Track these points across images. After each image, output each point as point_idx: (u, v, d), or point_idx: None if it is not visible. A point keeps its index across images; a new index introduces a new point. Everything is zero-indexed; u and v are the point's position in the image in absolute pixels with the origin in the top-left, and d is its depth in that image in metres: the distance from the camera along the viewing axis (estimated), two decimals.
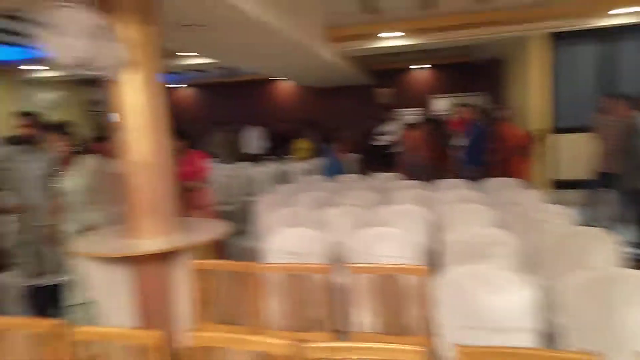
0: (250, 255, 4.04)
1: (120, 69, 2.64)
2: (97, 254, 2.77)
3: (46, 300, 3.54)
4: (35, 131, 3.72)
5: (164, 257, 2.84)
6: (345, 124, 9.19)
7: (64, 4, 2.36)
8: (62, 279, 3.47)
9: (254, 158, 9.70)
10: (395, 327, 2.27)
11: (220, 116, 10.34)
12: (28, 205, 3.67)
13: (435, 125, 6.74)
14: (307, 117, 10.49)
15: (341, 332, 2.44)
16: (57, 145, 3.30)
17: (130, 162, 2.85)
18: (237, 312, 2.53)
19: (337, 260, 3.05)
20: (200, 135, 9.24)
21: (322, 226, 3.51)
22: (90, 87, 9.61)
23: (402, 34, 6.20)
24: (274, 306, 2.48)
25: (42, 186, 3.57)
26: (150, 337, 1.62)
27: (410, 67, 10.85)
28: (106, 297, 2.98)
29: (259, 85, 11.36)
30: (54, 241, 3.43)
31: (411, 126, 6.42)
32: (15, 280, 3.62)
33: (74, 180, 3.29)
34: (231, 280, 2.53)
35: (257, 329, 2.42)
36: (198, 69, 9.09)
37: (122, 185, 2.92)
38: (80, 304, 3.24)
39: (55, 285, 3.60)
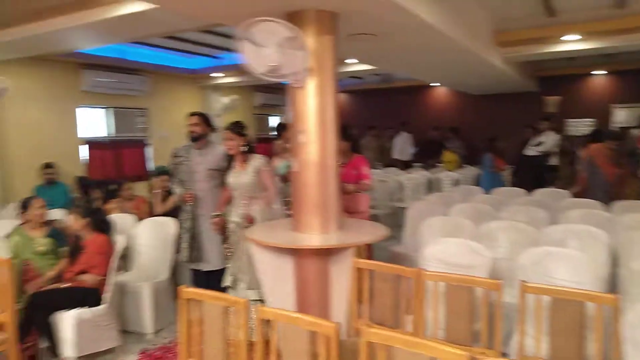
0: (398, 260, 4.08)
1: (304, 75, 2.87)
2: (268, 243, 3.04)
3: (206, 284, 3.81)
4: (203, 129, 3.92)
5: (327, 253, 3.01)
6: (503, 133, 8.62)
7: (261, 18, 2.65)
8: (223, 265, 3.76)
9: (404, 164, 9.70)
10: (571, 358, 2.07)
11: (372, 122, 10.54)
12: (197, 196, 3.94)
13: (617, 138, 5.94)
14: (456, 125, 10.14)
15: (504, 354, 2.31)
16: (230, 144, 3.49)
17: (302, 162, 3.09)
18: (393, 314, 2.57)
19: (498, 276, 2.89)
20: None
21: (482, 239, 3.37)
22: (258, 92, 10.62)
23: (580, 37, 5.62)
24: (431, 314, 2.46)
25: (210, 179, 3.87)
26: (326, 326, 1.73)
27: (585, 72, 9.73)
28: (271, 283, 3.26)
29: (412, 92, 11.31)
30: (221, 230, 3.66)
31: (590, 139, 5.71)
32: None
33: (241, 176, 3.52)
34: (388, 282, 2.57)
35: (414, 334, 2.42)
36: (355, 75, 9.40)
37: (291, 183, 3.19)
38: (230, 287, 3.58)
39: (213, 271, 3.89)
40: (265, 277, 3.28)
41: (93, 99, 7.39)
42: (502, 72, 6.82)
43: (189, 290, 2.22)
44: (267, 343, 2.02)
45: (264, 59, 2.69)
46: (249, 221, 3.41)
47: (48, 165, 6.16)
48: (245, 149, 3.51)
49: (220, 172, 3.71)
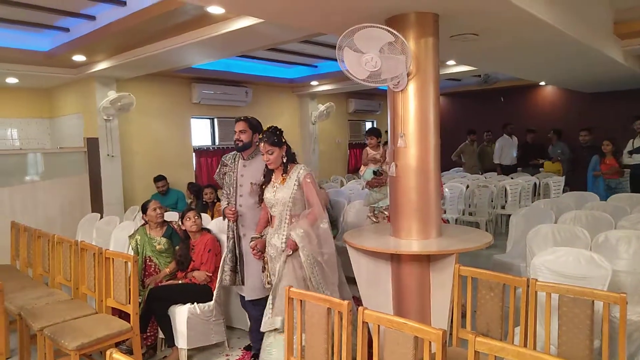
0: (501, 269, 3.86)
1: (405, 79, 2.86)
2: (365, 247, 3.06)
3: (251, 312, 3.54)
4: (251, 137, 3.32)
5: (427, 259, 2.96)
6: (617, 134, 7.79)
7: (362, 25, 2.69)
8: (264, 294, 3.30)
9: (506, 169, 9.18)
10: None
11: (471, 125, 10.12)
12: (239, 213, 3.37)
13: None
14: (560, 126, 9.36)
15: None
16: (269, 159, 2.97)
17: (401, 166, 3.07)
18: (499, 325, 2.44)
19: (618, 290, 2.63)
20: (452, 146, 9.27)
21: (600, 250, 3.08)
22: (352, 98, 10.73)
23: None
24: (542, 327, 2.30)
25: (255, 195, 3.26)
26: (432, 333, 1.71)
27: None
28: (366, 287, 3.27)
29: (514, 92, 10.69)
30: (260, 255, 3.18)
31: None
32: None
33: (279, 190, 3.00)
34: (494, 291, 2.45)
35: (521, 347, 2.29)
36: (453, 77, 9.12)
37: (378, 190, 3.19)
38: None
39: (256, 300, 3.44)
40: (360, 280, 3.31)
41: (202, 110, 8.00)
42: (622, 67, 6.20)
43: (293, 290, 2.31)
44: (369, 346, 2.03)
45: (364, 65, 2.72)
46: (290, 247, 2.87)
47: (158, 179, 6.44)
48: (285, 159, 2.99)
49: (259, 187, 3.20)
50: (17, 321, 3.37)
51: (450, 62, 6.68)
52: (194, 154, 7.99)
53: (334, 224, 5.09)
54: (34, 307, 3.36)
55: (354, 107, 10.83)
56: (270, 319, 2.93)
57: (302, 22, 3.46)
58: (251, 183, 3.28)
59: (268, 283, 3.07)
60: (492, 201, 7.11)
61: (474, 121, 10.78)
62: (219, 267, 3.66)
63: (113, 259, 3.24)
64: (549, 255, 2.87)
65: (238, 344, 3.82)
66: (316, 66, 8.17)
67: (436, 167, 3.07)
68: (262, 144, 2.93)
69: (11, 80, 6.27)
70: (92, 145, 6.35)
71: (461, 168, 9.70)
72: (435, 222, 3.09)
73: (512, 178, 8.02)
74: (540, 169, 8.81)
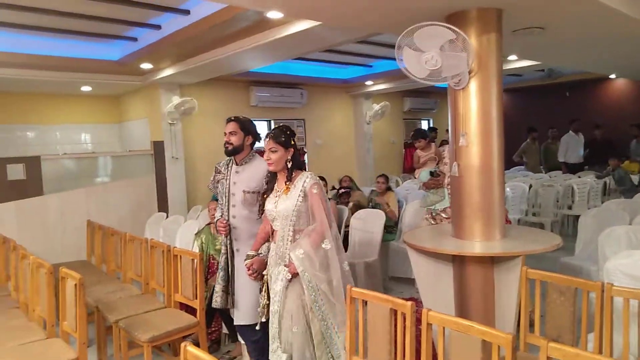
0: (570, 272, 3.67)
1: (466, 77, 2.80)
2: (426, 249, 3.02)
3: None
4: (241, 139, 2.97)
5: (491, 261, 2.88)
6: None
7: (422, 24, 2.66)
8: (255, 320, 2.81)
9: (572, 167, 8.73)
10: None
11: (533, 122, 9.70)
12: (231, 225, 2.99)
13: None
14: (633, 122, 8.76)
15: None
16: (271, 157, 2.57)
17: (463, 166, 3.00)
18: (570, 331, 2.33)
19: None
20: (513, 143, 8.93)
21: None
22: (407, 97, 10.60)
23: None
24: (619, 334, 2.17)
25: (248, 205, 2.91)
26: (501, 337, 1.67)
27: None
28: (427, 288, 3.23)
29: (581, 86, 10.13)
30: (257, 275, 2.75)
31: None
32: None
33: (282, 200, 2.57)
34: (565, 296, 2.35)
35: (597, 354, 2.17)
36: (514, 73, 8.78)
37: (436, 191, 3.12)
38: None
39: (246, 326, 2.98)
40: (420, 282, 3.27)
41: (259, 112, 8.19)
42: None
43: (355, 290, 2.33)
44: (432, 348, 2.01)
45: (424, 64, 2.69)
46: (290, 271, 2.45)
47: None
48: (290, 164, 2.56)
49: (261, 196, 2.77)
50: (95, 313, 3.62)
51: (512, 57, 6.43)
52: None
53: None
54: (109, 300, 3.60)
55: (409, 106, 10.69)
56: (277, 355, 2.54)
57: (360, 23, 3.47)
58: (244, 191, 2.86)
59: (263, 307, 2.61)
60: (557, 201, 6.78)
61: (535, 118, 10.33)
62: None
63: (180, 256, 3.40)
64: (625, 258, 2.70)
65: None
66: (371, 66, 8.15)
67: (500, 166, 2.98)
68: (268, 139, 2.56)
69: (85, 88, 6.73)
70: (158, 148, 6.68)
71: (523, 167, 9.33)
72: (499, 222, 3.00)
73: (579, 177, 7.61)
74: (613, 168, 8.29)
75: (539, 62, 6.71)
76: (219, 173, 3.07)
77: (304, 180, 2.53)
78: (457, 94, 2.97)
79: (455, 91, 2.97)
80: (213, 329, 3.75)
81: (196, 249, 4.08)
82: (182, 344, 1.69)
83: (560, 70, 9.08)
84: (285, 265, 2.48)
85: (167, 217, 5.58)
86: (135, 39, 5.37)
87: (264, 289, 2.61)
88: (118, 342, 3.31)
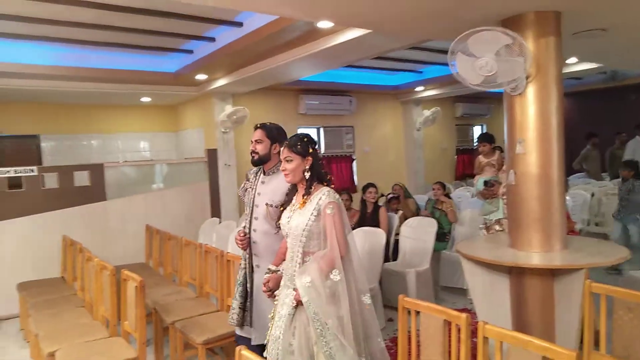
0: (637, 287, 3.44)
1: (523, 82, 2.72)
2: (481, 259, 2.93)
3: None
4: (268, 148, 2.75)
5: (550, 273, 2.76)
6: None
7: (477, 29, 2.61)
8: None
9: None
10: None
11: (595, 127, 9.21)
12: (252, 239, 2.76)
13: None
14: None
15: None
16: (287, 168, 2.33)
17: (520, 174, 2.90)
18: (637, 349, 2.19)
19: None
20: (572, 149, 8.51)
21: None
22: (459, 102, 10.36)
23: None
24: None
25: (270, 219, 2.64)
26: (564, 354, 1.59)
27: None
28: (482, 300, 3.13)
29: None
30: (272, 293, 2.47)
31: None
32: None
33: (296, 216, 2.31)
34: (634, 312, 2.21)
35: None
36: (573, 76, 8.39)
37: (511, 196, 3.01)
38: None
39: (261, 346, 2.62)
40: (475, 293, 3.17)
41: (308, 120, 8.28)
42: None
43: (407, 300, 2.30)
44: None
45: (479, 70, 2.63)
46: (295, 298, 2.20)
47: None
48: (308, 174, 2.31)
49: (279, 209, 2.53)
50: (153, 314, 3.77)
51: (572, 60, 6.16)
52: None
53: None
54: (165, 302, 3.74)
55: (461, 112, 10.44)
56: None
57: (411, 30, 3.44)
58: (267, 204, 2.63)
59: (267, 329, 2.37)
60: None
61: (597, 123, 9.80)
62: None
63: (233, 261, 3.49)
64: None
65: None
66: (421, 72, 8.04)
67: (560, 174, 2.86)
68: (284, 148, 2.34)
69: (145, 99, 7.07)
70: (212, 155, 6.90)
71: (583, 173, 8.86)
72: (560, 233, 2.87)
73: None
74: None
75: (601, 65, 6.38)
76: (247, 181, 2.88)
77: (320, 197, 2.25)
78: (513, 100, 2.88)
79: (511, 97, 2.88)
80: None
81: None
82: (237, 348, 1.74)
83: (624, 72, 8.57)
84: (293, 289, 2.21)
85: (219, 222, 5.74)
86: (191, 52, 5.59)
87: (272, 311, 2.36)
88: (174, 342, 3.43)
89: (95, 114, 7.25)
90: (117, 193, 6.13)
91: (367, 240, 4.52)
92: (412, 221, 5.14)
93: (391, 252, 5.19)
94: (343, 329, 2.11)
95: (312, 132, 8.56)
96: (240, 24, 4.58)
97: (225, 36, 4.90)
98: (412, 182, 9.22)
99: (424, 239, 4.85)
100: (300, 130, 8.20)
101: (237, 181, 7.12)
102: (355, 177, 8.88)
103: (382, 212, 5.29)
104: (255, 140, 2.76)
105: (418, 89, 8.67)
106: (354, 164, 8.92)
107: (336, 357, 2.10)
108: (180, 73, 6.00)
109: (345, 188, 8.69)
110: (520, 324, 2.92)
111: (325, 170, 2.38)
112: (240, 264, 2.80)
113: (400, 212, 5.64)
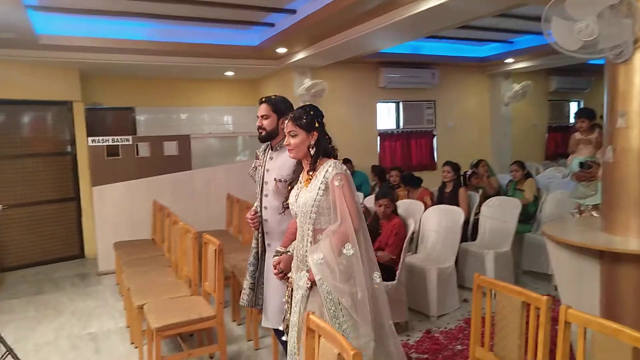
0: None
1: (629, 48, 2.42)
2: (569, 242, 2.71)
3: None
4: (275, 123, 2.65)
5: None
6: None
7: None
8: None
9: None
10: None
11: None
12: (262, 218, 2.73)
13: None
14: None
15: None
16: (291, 143, 2.20)
17: (620, 150, 2.62)
18: None
19: None
20: None
21: None
22: (553, 75, 9.55)
23: None
24: None
25: (280, 196, 2.52)
26: None
27: None
28: (568, 285, 2.91)
29: None
30: (283, 275, 2.37)
31: None
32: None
33: (303, 193, 2.19)
34: None
35: None
36: None
37: (607, 175, 2.73)
38: None
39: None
40: (560, 278, 2.96)
41: (388, 94, 8.10)
42: None
43: (483, 278, 2.19)
44: (570, 348, 1.81)
45: (577, 34, 2.38)
46: (309, 278, 2.09)
47: (344, 162, 6.80)
48: (313, 150, 2.18)
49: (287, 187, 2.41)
50: (231, 277, 3.97)
51: None
52: (378, 137, 8.17)
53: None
54: (242, 267, 3.90)
55: (555, 86, 9.62)
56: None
57: None
58: (275, 179, 2.55)
59: (285, 317, 2.30)
60: None
61: None
62: (402, 250, 3.70)
63: None
64: None
65: (419, 326, 3.83)
66: (511, 42, 7.49)
67: None
68: (288, 121, 2.20)
69: (229, 73, 7.31)
70: None
71: None
72: None
73: None
74: None
75: None
76: (257, 159, 2.78)
77: (326, 169, 2.12)
78: (616, 69, 2.58)
79: (614, 65, 2.58)
80: None
81: None
82: (306, 312, 1.76)
83: None
84: (307, 271, 2.10)
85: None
86: (272, 25, 5.65)
87: (286, 295, 2.28)
88: None
89: (183, 88, 7.64)
90: (202, 163, 6.48)
91: (444, 219, 4.39)
92: (493, 200, 4.89)
93: (469, 231, 4.99)
94: (357, 308, 1.99)
95: (391, 107, 8.38)
96: None
97: (306, 8, 4.88)
98: (497, 160, 8.74)
99: (505, 219, 4.61)
100: (380, 105, 8.15)
101: None
102: (435, 154, 8.60)
103: (462, 193, 5.06)
104: (261, 116, 2.64)
105: (507, 60, 8.11)
106: (435, 140, 8.63)
107: (350, 337, 1.98)
108: (262, 46, 6.10)
109: (424, 165, 8.49)
110: (610, 314, 2.67)
111: (331, 143, 2.24)
112: (252, 244, 2.74)
113: (480, 190, 5.39)
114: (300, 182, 2.23)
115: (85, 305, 4.67)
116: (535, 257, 4.81)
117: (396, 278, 3.66)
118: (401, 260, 3.70)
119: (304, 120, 2.17)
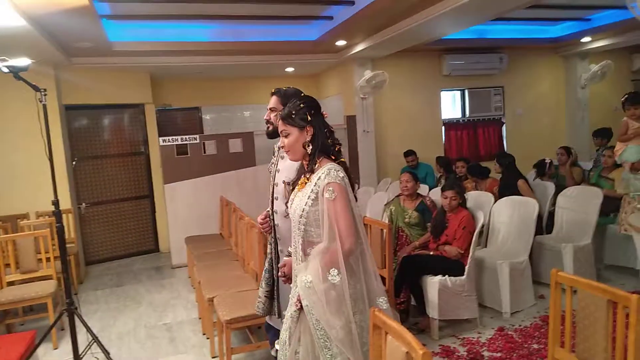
0: None
1: None
2: None
3: None
4: None
5: None
6: None
7: None
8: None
9: None
10: None
11: None
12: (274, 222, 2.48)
13: None
14: None
15: None
16: (284, 143, 1.95)
17: None
18: None
19: None
20: None
21: None
22: (638, 53, 8.75)
23: None
24: None
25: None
26: None
27: None
28: None
29: None
30: (289, 280, 2.12)
31: None
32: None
33: (297, 198, 1.93)
34: None
35: None
36: None
37: None
38: None
39: None
40: None
41: (451, 82, 7.81)
42: None
43: (562, 275, 2.04)
44: None
45: None
46: (298, 299, 1.82)
47: (408, 154, 6.59)
48: (310, 148, 1.89)
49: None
50: None
51: None
52: (443, 127, 7.91)
53: None
54: None
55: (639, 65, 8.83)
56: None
57: None
58: (284, 181, 2.25)
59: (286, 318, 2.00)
60: None
61: None
62: (471, 244, 3.55)
63: (370, 225, 3.49)
64: None
65: (491, 323, 3.66)
66: (589, 19, 6.93)
67: None
68: (279, 120, 1.95)
69: (289, 69, 7.38)
70: (351, 122, 6.96)
71: None
72: None
73: None
74: None
75: None
76: (274, 155, 2.50)
77: (319, 176, 1.82)
78: None
79: None
80: (402, 299, 3.79)
81: (385, 220, 4.15)
82: (371, 308, 1.72)
83: None
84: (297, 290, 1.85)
85: (358, 187, 5.80)
86: (331, 18, 5.61)
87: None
88: None
89: (246, 87, 7.83)
90: (265, 159, 6.58)
91: (516, 211, 4.16)
92: (571, 190, 4.56)
93: (544, 224, 4.69)
94: (352, 341, 1.73)
95: (456, 95, 8.07)
96: None
97: None
98: (574, 147, 8.17)
99: (585, 210, 4.28)
100: (444, 94, 7.87)
101: (375, 147, 7.10)
102: (504, 143, 8.19)
103: (521, 184, 4.71)
104: (270, 109, 2.39)
105: (584, 39, 7.53)
106: (504, 128, 8.21)
107: None
108: (321, 40, 6.09)
109: (493, 155, 8.10)
110: None
111: (333, 139, 1.93)
112: (266, 252, 2.55)
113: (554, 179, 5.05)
114: (298, 185, 1.96)
115: (161, 296, 4.93)
116: (620, 250, 4.43)
117: (465, 273, 3.52)
118: (470, 254, 3.55)
119: (294, 116, 1.89)
